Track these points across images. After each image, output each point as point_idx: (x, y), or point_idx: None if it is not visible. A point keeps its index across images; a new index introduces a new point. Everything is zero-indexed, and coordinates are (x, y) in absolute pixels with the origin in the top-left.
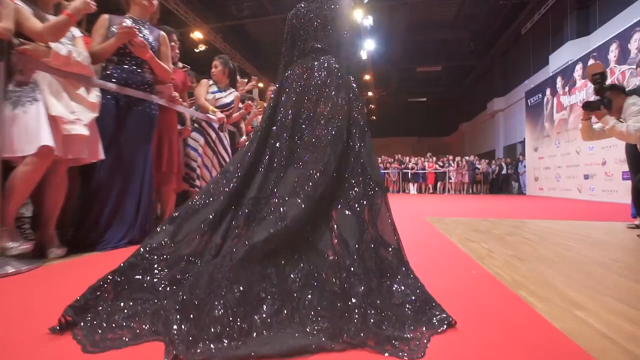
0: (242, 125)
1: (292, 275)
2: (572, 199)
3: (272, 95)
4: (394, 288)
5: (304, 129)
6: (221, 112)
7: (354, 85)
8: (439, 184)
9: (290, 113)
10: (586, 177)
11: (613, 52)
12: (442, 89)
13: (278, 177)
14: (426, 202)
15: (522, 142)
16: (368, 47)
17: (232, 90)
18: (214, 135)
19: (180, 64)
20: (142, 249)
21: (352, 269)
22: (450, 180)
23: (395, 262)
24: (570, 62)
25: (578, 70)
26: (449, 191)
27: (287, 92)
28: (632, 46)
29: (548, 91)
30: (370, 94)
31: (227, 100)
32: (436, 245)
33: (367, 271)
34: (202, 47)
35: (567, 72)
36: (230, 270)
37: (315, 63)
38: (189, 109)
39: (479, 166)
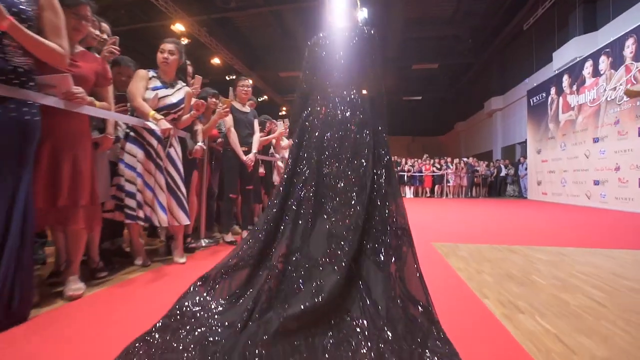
0: (198, 127)
1: (322, 346)
2: (581, 205)
3: (296, 139)
4: (426, 357)
5: (329, 172)
6: (167, 115)
7: (379, 121)
8: (436, 187)
9: (315, 156)
10: (596, 182)
11: (629, 48)
12: (438, 87)
13: (306, 228)
14: (427, 211)
15: (522, 144)
16: None
17: (182, 85)
18: (156, 144)
19: (110, 49)
20: (175, 310)
21: (382, 334)
22: (449, 184)
23: (427, 324)
24: (578, 59)
25: (588, 68)
26: (447, 195)
27: (310, 134)
28: None
29: (553, 90)
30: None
31: (174, 99)
32: (464, 318)
33: (398, 336)
34: (184, 41)
35: (575, 70)
36: (263, 346)
37: (337, 99)
38: (109, 112)
39: (478, 169)
